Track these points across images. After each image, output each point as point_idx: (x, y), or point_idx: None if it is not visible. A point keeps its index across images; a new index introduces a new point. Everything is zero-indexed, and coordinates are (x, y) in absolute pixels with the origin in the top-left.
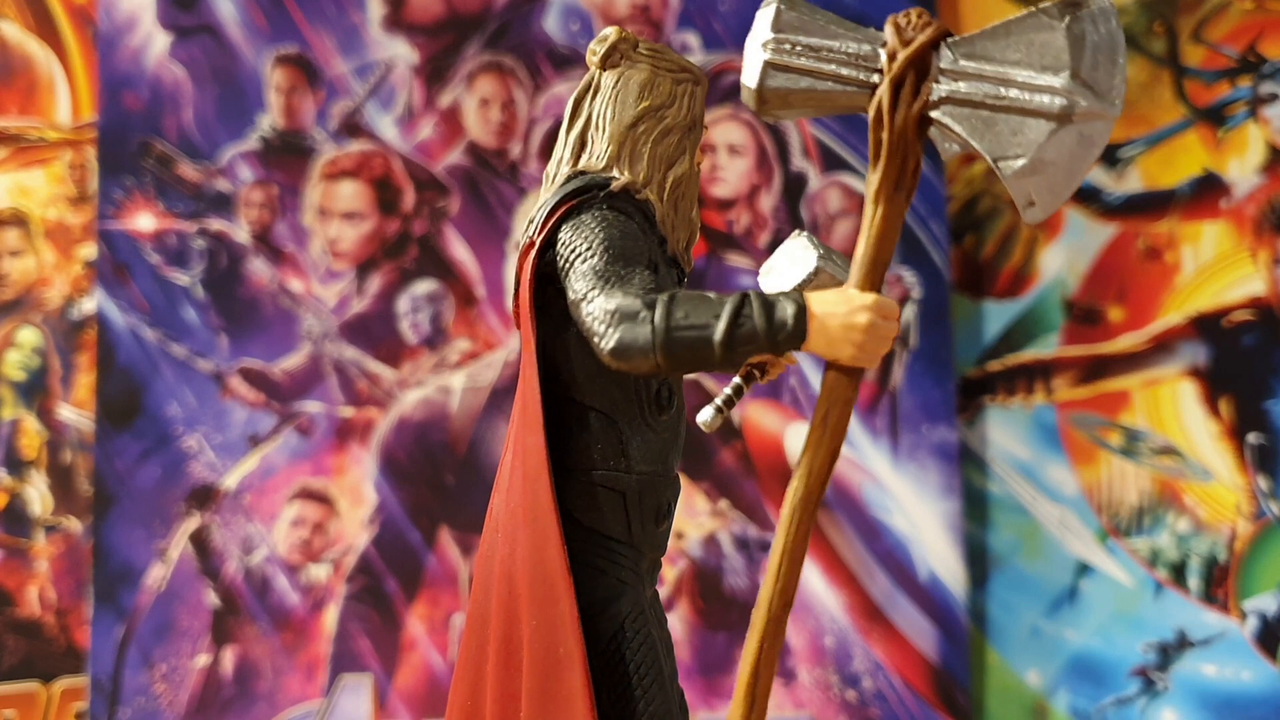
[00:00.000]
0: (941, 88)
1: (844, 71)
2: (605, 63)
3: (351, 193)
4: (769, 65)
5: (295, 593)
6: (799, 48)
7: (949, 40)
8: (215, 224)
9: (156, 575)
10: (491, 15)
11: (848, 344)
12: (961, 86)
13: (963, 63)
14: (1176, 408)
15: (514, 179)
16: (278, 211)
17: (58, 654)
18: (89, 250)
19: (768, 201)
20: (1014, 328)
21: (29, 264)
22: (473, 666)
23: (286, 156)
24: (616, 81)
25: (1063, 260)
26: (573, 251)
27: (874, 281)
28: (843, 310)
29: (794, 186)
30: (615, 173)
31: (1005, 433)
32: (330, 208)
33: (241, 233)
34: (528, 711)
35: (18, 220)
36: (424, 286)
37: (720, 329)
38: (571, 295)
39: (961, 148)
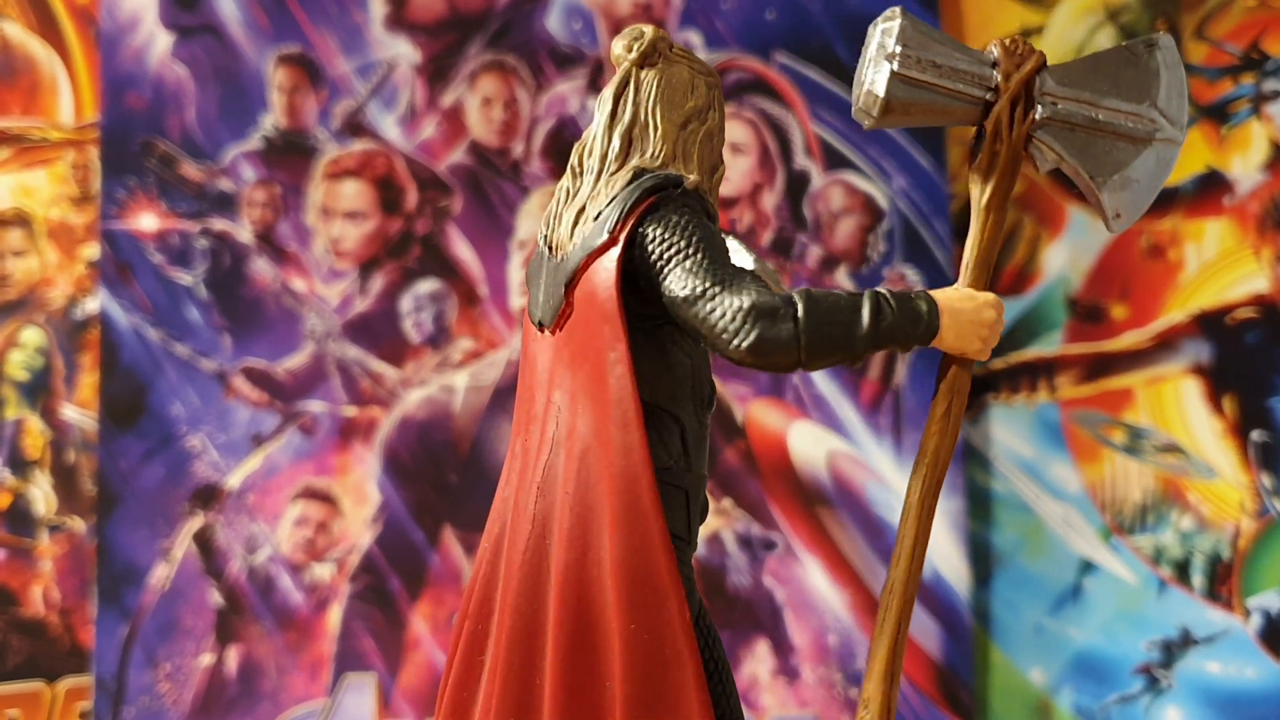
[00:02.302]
0: (1044, 110)
1: (961, 87)
2: (644, 60)
3: (354, 192)
4: (896, 76)
5: (299, 592)
6: (923, 62)
7: (1046, 67)
8: (218, 224)
9: (160, 575)
10: (493, 14)
11: (975, 338)
12: (1061, 109)
13: (1058, 88)
14: (1180, 405)
15: (516, 178)
16: (280, 211)
17: (62, 653)
18: (92, 250)
19: (770, 200)
20: (1017, 325)
21: (32, 264)
22: (515, 679)
23: (289, 156)
24: (658, 80)
25: (1066, 258)
26: (670, 248)
27: (985, 282)
28: (970, 306)
29: (796, 185)
30: (673, 172)
31: (1008, 431)
32: (333, 207)
33: (244, 232)
34: (628, 714)
35: (21, 220)
36: (427, 286)
37: (865, 324)
38: (680, 292)
39: (1054, 164)
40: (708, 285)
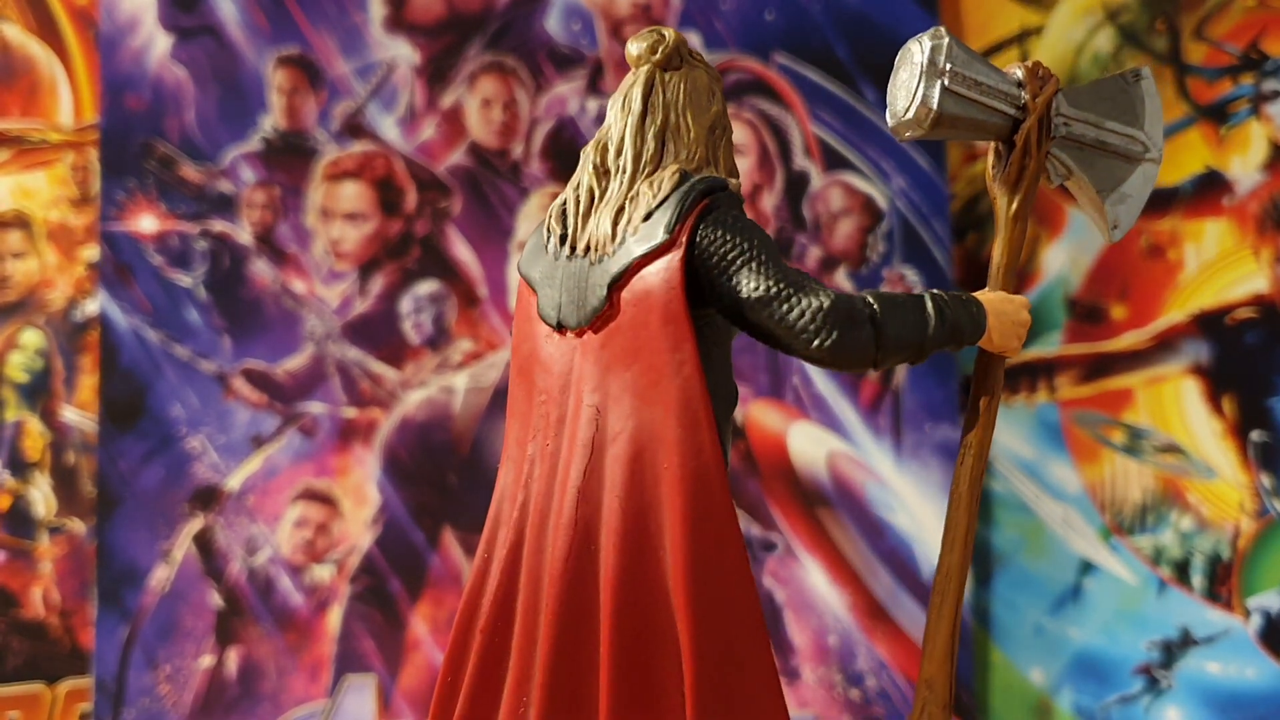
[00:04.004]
0: (1059, 129)
1: (997, 104)
2: (668, 63)
3: (353, 193)
4: (948, 91)
5: (299, 593)
6: (967, 80)
7: (1060, 90)
8: (217, 225)
9: (160, 576)
10: (493, 15)
11: (1014, 338)
12: (1074, 129)
13: (1070, 109)
14: (1179, 405)
15: (516, 179)
16: (280, 212)
17: (62, 655)
18: (91, 252)
19: (770, 201)
20: None
21: (32, 266)
22: (564, 690)
23: (288, 157)
24: (683, 83)
25: (1065, 258)
26: (733, 249)
27: (1013, 286)
28: (1011, 308)
29: (796, 185)
30: (715, 175)
31: (1008, 431)
32: (332, 208)
33: (244, 234)
34: (702, 709)
35: (20, 222)
36: (426, 287)
37: (932, 325)
38: (753, 294)
39: (1064, 178)
40: (781, 286)
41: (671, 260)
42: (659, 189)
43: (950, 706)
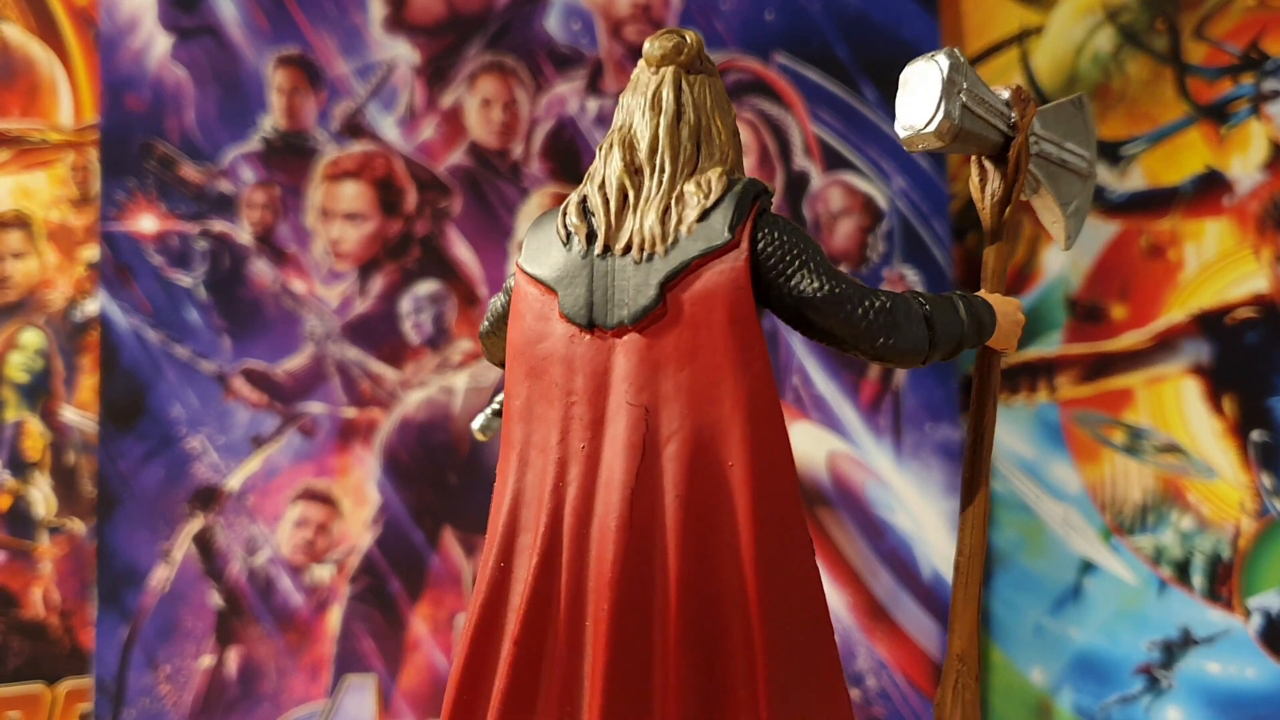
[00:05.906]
0: (1035, 147)
1: (996, 122)
2: (691, 66)
3: (353, 193)
4: (965, 108)
5: (299, 593)
6: (976, 97)
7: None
8: (217, 225)
9: (160, 576)
10: (493, 15)
11: (1013, 336)
12: (1043, 148)
13: (1041, 130)
14: (1180, 405)
15: (516, 179)
16: (280, 212)
17: (62, 655)
18: (91, 252)
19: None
20: None
21: (32, 266)
22: (626, 690)
23: (288, 157)
24: (708, 87)
25: (1065, 258)
26: (791, 249)
27: (1004, 288)
28: (1011, 308)
29: (796, 185)
30: (754, 178)
31: (1008, 431)
32: (332, 208)
33: (244, 234)
34: (773, 703)
35: (20, 222)
36: (426, 287)
37: (966, 325)
38: (816, 293)
39: (1033, 190)
40: (843, 287)
41: (737, 259)
42: (709, 190)
43: (980, 679)
